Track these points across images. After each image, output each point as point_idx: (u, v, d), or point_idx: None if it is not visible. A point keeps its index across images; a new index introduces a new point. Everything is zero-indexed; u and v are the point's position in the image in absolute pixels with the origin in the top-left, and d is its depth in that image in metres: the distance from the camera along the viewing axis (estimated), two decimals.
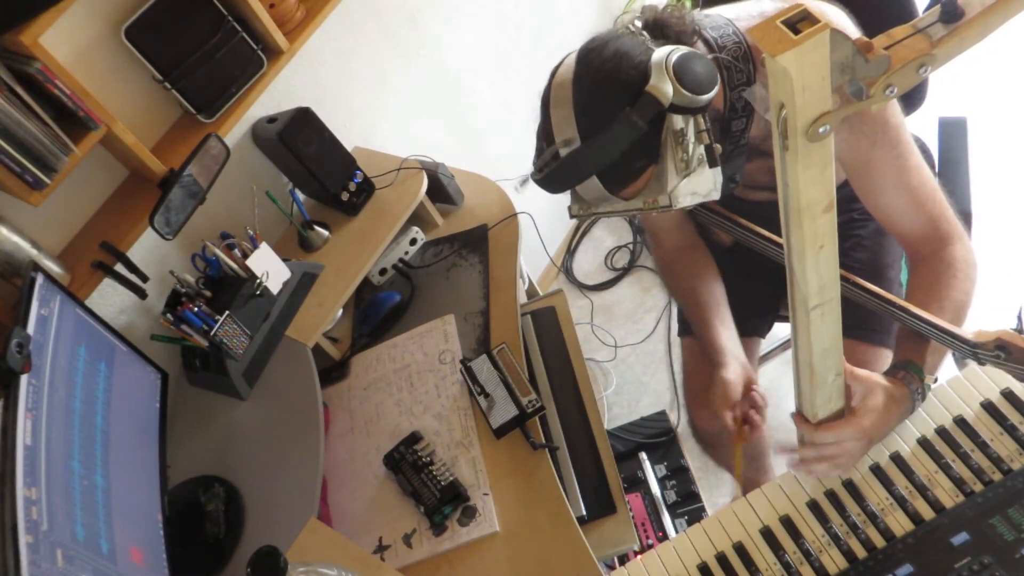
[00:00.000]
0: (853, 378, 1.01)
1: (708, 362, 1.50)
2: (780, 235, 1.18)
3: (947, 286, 1.09)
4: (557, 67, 1.03)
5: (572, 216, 1.10)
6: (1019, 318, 0.98)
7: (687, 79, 0.93)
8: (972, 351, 1.01)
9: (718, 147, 1.01)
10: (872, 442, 1.04)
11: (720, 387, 1.26)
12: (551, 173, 1.01)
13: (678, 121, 0.97)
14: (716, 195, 1.03)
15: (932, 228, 1.13)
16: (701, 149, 1.00)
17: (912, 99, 1.54)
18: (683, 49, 0.95)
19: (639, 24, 1.03)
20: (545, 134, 1.03)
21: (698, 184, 1.02)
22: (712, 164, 1.02)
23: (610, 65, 0.97)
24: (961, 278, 1.10)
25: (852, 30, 1.07)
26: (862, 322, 1.33)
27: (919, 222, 1.14)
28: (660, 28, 1.03)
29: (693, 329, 1.44)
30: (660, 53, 0.95)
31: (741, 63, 1.07)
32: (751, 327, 1.53)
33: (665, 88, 0.92)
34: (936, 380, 1.09)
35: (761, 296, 1.54)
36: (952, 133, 1.57)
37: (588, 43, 1.01)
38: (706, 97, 0.95)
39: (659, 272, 1.47)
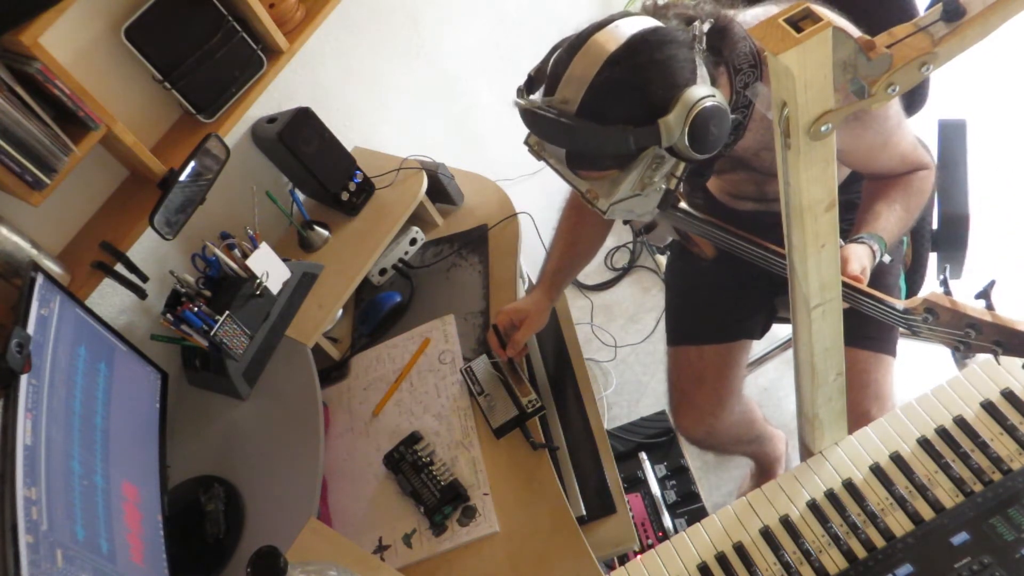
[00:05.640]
0: None
1: (693, 373, 1.50)
2: (767, 242, 1.20)
3: (902, 185, 1.23)
4: (606, 22, 0.98)
5: (524, 143, 1.07)
6: (943, 281, 0.97)
7: (698, 135, 0.92)
8: (903, 320, 1.01)
9: (679, 194, 1.02)
10: None
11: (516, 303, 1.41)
12: (531, 116, 0.98)
13: (665, 153, 0.96)
14: (648, 219, 1.08)
15: (906, 168, 1.25)
16: (663, 184, 1.01)
17: (913, 101, 1.53)
18: (713, 101, 0.92)
19: (707, 28, 0.99)
20: (553, 73, 0.99)
21: (639, 205, 1.03)
22: (662, 207, 1.03)
23: (650, 72, 0.93)
24: (917, 185, 1.24)
25: (852, 31, 1.07)
26: (862, 330, 1.33)
27: (899, 169, 1.25)
28: (720, 41, 1.01)
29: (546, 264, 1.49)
30: (694, 93, 0.92)
31: (749, 69, 1.07)
32: (739, 330, 1.53)
33: (674, 131, 0.92)
34: (890, 260, 1.18)
35: (750, 300, 1.54)
36: (951, 135, 1.57)
37: (650, 31, 0.96)
38: (701, 157, 0.95)
39: (566, 205, 1.48)
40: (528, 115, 0.99)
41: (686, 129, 0.91)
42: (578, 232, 1.46)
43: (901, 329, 1.05)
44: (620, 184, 0.99)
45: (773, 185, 1.31)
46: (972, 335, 0.93)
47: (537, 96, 1.02)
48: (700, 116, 0.91)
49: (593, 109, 0.94)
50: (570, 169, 1.03)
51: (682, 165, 0.99)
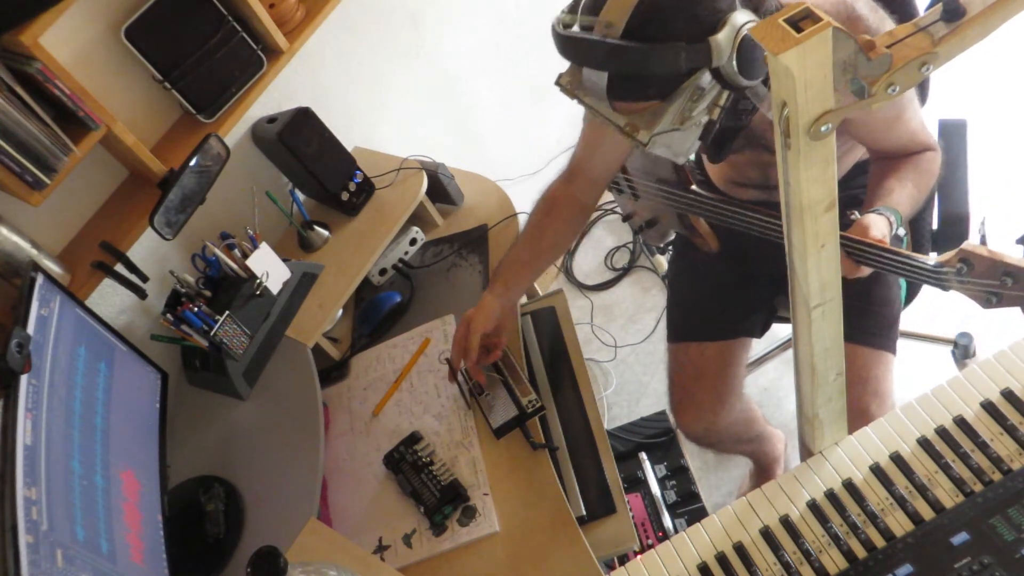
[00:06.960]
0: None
1: (694, 369, 1.50)
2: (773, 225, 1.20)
3: (912, 163, 1.23)
4: None
5: (556, 83, 1.04)
6: (981, 232, 0.97)
7: (745, 58, 0.91)
8: (935, 275, 1.00)
9: (718, 127, 1.01)
10: None
11: (479, 308, 1.36)
12: (574, 42, 0.95)
13: (707, 81, 0.95)
14: (682, 160, 1.06)
15: (915, 146, 1.25)
16: (704, 117, 0.99)
17: None
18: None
19: None
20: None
21: (678, 141, 1.01)
22: (702, 138, 1.02)
23: None
24: (926, 165, 1.24)
25: (888, 22, 1.07)
26: (862, 326, 1.33)
27: (909, 147, 1.25)
28: None
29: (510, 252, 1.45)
30: (741, 16, 0.91)
31: None
32: (740, 328, 1.53)
33: (723, 51, 0.90)
34: (906, 234, 1.16)
35: (751, 298, 1.54)
36: (951, 135, 1.57)
37: None
38: (747, 83, 0.94)
39: (540, 198, 1.46)
40: (567, 41, 0.96)
41: (735, 53, 0.91)
42: (545, 225, 1.42)
43: (928, 285, 1.03)
44: (662, 116, 0.96)
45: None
46: (1009, 283, 0.91)
47: (574, 21, 0.98)
48: (747, 39, 0.90)
49: (642, 30, 0.92)
50: (610, 100, 0.99)
51: (725, 94, 0.98)
